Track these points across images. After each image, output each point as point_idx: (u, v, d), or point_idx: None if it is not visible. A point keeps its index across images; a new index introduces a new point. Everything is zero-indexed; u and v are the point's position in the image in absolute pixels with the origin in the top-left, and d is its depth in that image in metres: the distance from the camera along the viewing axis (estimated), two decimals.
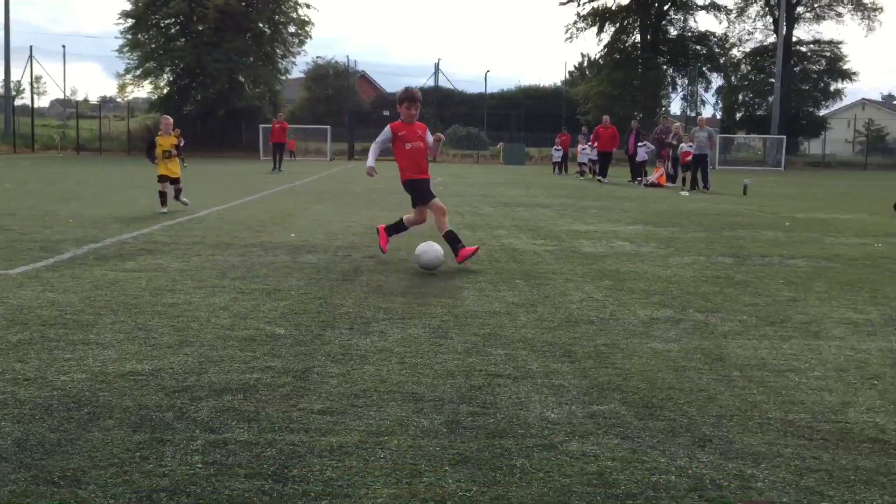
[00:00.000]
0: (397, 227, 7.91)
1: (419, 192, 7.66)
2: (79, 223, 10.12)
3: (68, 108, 67.56)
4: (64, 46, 78.13)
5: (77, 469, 2.64)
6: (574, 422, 3.23)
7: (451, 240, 7.38)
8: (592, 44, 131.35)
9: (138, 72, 51.13)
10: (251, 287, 6.01)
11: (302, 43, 55.65)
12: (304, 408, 3.31)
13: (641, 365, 4.07)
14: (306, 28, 54.86)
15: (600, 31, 58.07)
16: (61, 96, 74.43)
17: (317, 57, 65.94)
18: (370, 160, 7.71)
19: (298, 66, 60.55)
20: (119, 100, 68.60)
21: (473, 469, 2.74)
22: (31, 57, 51.94)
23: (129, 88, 54.28)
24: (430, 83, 57.54)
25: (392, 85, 76.81)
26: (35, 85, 59.18)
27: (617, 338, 4.64)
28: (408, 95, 7.56)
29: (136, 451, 2.80)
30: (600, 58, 59.16)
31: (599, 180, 25.99)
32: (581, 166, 30.43)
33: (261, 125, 46.53)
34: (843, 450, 2.99)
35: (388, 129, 7.63)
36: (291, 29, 54.85)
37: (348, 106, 58.32)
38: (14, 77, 50.97)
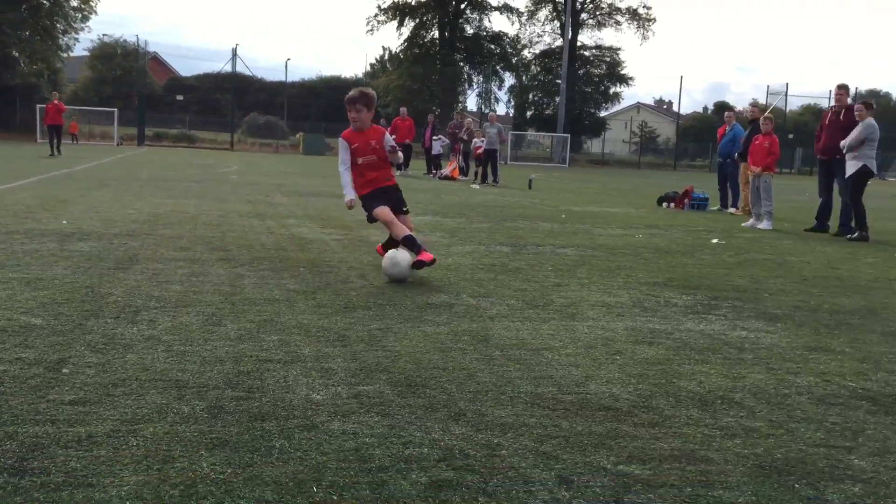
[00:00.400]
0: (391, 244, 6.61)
1: (366, 208, 6.65)
2: None
3: None
4: None
5: None
6: (338, 402, 3.31)
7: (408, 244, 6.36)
8: (393, 37, 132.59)
9: None
10: (8, 276, 5.59)
11: (86, 19, 52.25)
12: (54, 399, 3.15)
13: (411, 347, 4.23)
14: (91, 3, 51.36)
15: (400, 25, 59.02)
16: None
17: (103, 35, 61.87)
18: (346, 189, 6.60)
19: (82, 44, 56.63)
20: None
21: (231, 452, 2.74)
22: None
23: None
24: (228, 68, 55.71)
25: (187, 68, 73.40)
26: None
27: (391, 322, 4.78)
28: (346, 98, 6.50)
29: None
30: (400, 52, 60.07)
31: (402, 173, 26.36)
32: None
33: (38, 105, 43.01)
34: (580, 417, 3.27)
35: (341, 141, 6.64)
36: (74, 3, 51.10)
37: (139, 88, 55.15)
38: None
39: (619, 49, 68.88)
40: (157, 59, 71.53)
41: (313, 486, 2.51)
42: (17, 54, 48.36)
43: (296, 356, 3.96)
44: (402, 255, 6.19)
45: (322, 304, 5.21)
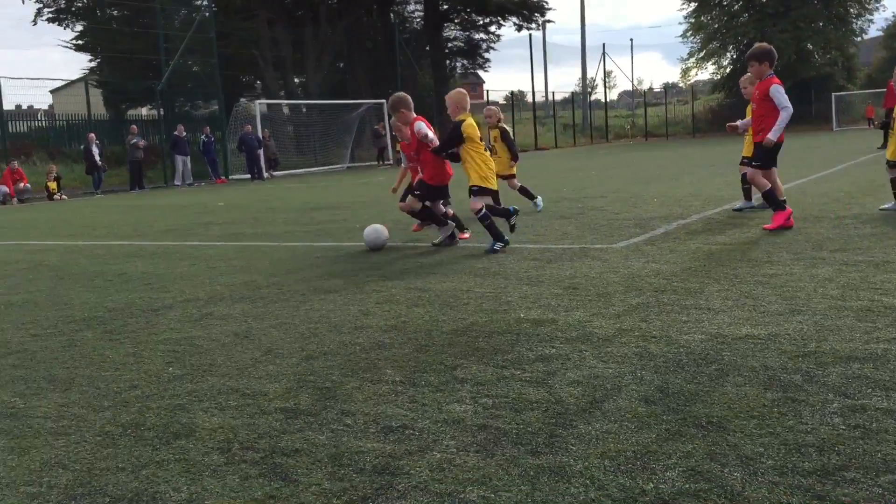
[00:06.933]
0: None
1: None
2: (663, 202, 10.75)
3: (635, 98, 71.99)
4: (631, 40, 79.91)
5: (721, 417, 2.83)
6: None
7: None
8: None
9: (701, 54, 52.04)
10: (854, 259, 5.68)
11: None
12: None
13: None
14: None
15: None
16: (628, 88, 79.46)
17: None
18: None
19: (876, 24, 54.92)
20: (681, 85, 70.74)
21: None
22: (604, 54, 56.69)
23: (692, 72, 55.56)
24: None
25: None
26: (606, 80, 64.40)
27: None
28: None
29: (773, 407, 2.89)
30: None
31: None
32: None
33: (833, 94, 43.68)
34: None
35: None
36: None
37: None
38: (589, 74, 56.11)
39: None
40: None
41: None
42: (811, 46, 49.64)
43: None
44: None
45: None
